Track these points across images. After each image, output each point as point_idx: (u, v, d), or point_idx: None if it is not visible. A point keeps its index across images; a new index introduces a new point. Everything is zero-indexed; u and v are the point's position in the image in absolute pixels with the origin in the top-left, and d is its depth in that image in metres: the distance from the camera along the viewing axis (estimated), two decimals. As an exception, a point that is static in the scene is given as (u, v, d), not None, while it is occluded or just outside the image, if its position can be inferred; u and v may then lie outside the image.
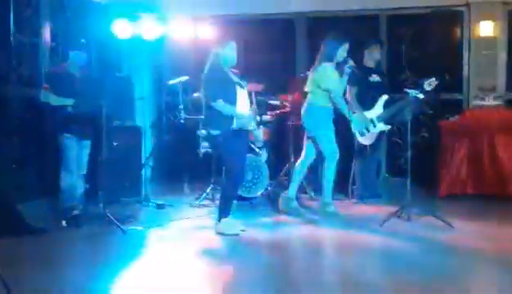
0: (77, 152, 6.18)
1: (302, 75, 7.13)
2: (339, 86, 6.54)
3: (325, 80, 6.45)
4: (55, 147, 6.23)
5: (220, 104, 5.66)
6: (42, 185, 7.03)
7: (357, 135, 7.11)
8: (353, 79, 7.07)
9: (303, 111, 6.65)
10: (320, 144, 6.53)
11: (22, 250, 5.20)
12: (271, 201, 7.26)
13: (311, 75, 6.62)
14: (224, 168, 6.05)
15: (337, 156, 6.49)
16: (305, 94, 6.79)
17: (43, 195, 6.88)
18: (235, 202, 6.19)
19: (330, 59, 6.51)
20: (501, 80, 8.48)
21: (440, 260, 4.93)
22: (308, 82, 6.64)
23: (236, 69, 6.02)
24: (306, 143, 6.72)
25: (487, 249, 5.27)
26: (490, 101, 8.09)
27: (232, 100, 5.71)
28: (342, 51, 6.52)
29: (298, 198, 6.92)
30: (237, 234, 5.72)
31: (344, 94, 6.88)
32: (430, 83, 6.35)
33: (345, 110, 6.56)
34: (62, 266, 4.84)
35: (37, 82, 7.07)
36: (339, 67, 6.57)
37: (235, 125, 5.69)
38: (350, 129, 7.07)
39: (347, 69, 6.57)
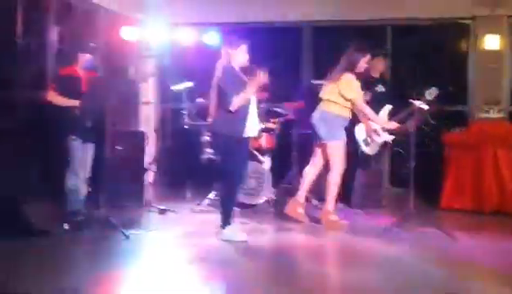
0: (81, 155, 6.18)
1: (312, 82, 7.14)
2: (361, 95, 6.57)
3: (350, 90, 6.44)
4: (60, 149, 6.22)
5: (236, 102, 5.66)
6: (47, 187, 7.04)
7: (361, 144, 7.11)
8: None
9: (317, 118, 6.57)
10: (330, 152, 6.52)
11: (23, 253, 5.18)
12: (274, 208, 7.26)
13: (331, 84, 6.54)
14: (222, 173, 6.04)
15: (343, 167, 6.49)
16: (314, 101, 6.76)
17: (47, 197, 6.88)
18: (238, 209, 6.19)
19: (351, 69, 6.50)
20: (506, 93, 8.49)
21: (440, 271, 4.91)
22: (327, 90, 6.57)
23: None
24: (316, 150, 6.71)
25: (488, 262, 5.26)
26: (494, 114, 8.09)
27: (246, 105, 5.75)
28: (363, 63, 6.54)
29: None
30: (244, 241, 5.71)
31: None
32: (431, 93, 6.35)
33: (373, 115, 6.67)
34: (64, 270, 4.83)
35: (43, 84, 7.10)
36: (359, 77, 6.57)
37: (245, 133, 5.73)
38: (354, 139, 7.10)
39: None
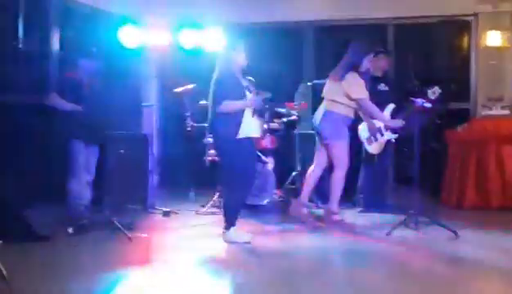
0: (85, 158, 6.18)
1: (309, 84, 7.12)
2: (366, 95, 6.49)
3: (356, 89, 6.39)
4: (63, 153, 6.23)
5: (225, 106, 5.63)
6: (50, 191, 7.04)
7: (365, 143, 7.10)
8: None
9: (319, 118, 6.54)
10: (334, 152, 6.49)
11: (28, 257, 5.19)
12: (278, 209, 7.25)
13: (334, 83, 6.51)
14: (224, 176, 6.03)
15: (346, 166, 6.46)
16: (317, 101, 6.74)
17: (50, 201, 6.89)
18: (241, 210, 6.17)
19: (355, 68, 6.46)
20: (509, 89, 8.47)
21: (446, 269, 4.91)
22: (331, 90, 6.52)
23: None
24: (318, 150, 6.69)
25: (494, 259, 5.24)
26: (497, 111, 8.07)
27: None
28: (366, 61, 6.50)
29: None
30: (248, 242, 5.70)
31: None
32: (434, 92, 6.32)
33: (378, 114, 6.64)
34: (67, 273, 4.82)
35: (45, 89, 7.11)
36: (362, 76, 6.51)
37: (240, 134, 5.67)
38: (358, 138, 7.09)
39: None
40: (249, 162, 5.85)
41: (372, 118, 6.78)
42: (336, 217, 6.51)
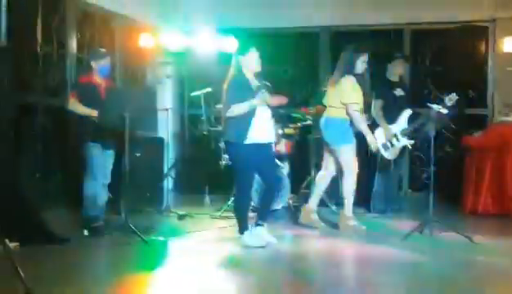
0: (101, 162, 6.22)
1: (325, 89, 7.11)
2: (356, 100, 6.35)
3: (344, 94, 6.34)
4: (79, 156, 6.27)
5: (233, 110, 5.63)
6: (66, 194, 7.09)
7: (381, 149, 7.07)
8: (378, 93, 7.08)
9: (322, 124, 6.56)
10: (339, 157, 6.47)
11: (45, 259, 5.22)
12: (293, 214, 7.25)
13: (332, 89, 6.49)
14: (235, 180, 6.03)
15: (356, 170, 6.43)
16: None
17: (66, 204, 6.93)
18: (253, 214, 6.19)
19: (348, 71, 6.40)
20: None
21: (461, 275, 4.87)
22: (329, 96, 6.53)
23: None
24: (326, 156, 6.68)
25: (509, 266, 5.20)
26: (515, 117, 8.02)
27: (250, 110, 5.68)
28: (360, 63, 6.41)
29: (318, 212, 6.88)
30: (262, 246, 5.69)
31: (369, 107, 6.87)
32: (451, 98, 6.28)
33: (359, 125, 6.39)
34: (84, 276, 4.85)
35: (63, 92, 7.17)
36: (359, 79, 6.44)
37: (248, 139, 5.64)
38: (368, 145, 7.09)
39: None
40: (260, 167, 5.81)
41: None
42: (350, 222, 6.49)
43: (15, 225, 5.30)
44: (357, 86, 6.38)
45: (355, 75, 6.39)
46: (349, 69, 6.39)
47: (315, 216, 6.70)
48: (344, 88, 6.35)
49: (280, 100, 5.92)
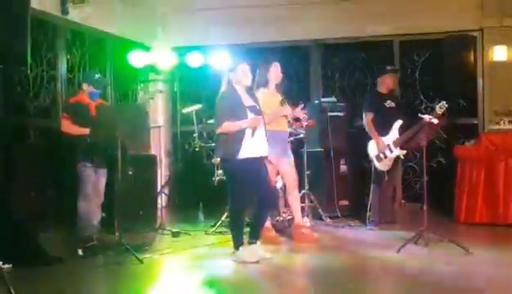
0: (94, 181, 6.21)
1: (316, 102, 7.15)
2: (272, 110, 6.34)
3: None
4: (72, 176, 6.26)
5: (225, 127, 5.64)
6: (59, 214, 7.06)
7: (374, 160, 7.10)
8: (369, 105, 7.12)
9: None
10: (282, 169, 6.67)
11: (38, 280, 5.19)
12: (287, 227, 7.23)
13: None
14: (229, 195, 6.03)
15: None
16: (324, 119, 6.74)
17: (60, 224, 6.90)
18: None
19: (263, 84, 6.49)
20: (516, 103, 8.46)
21: (457, 285, 4.87)
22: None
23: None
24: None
25: (505, 276, 5.20)
26: (505, 125, 8.06)
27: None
28: (273, 74, 6.52)
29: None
30: (257, 262, 5.66)
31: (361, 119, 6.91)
32: (441, 107, 6.31)
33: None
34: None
35: (54, 113, 7.17)
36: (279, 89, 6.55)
37: (240, 155, 5.64)
38: (367, 155, 7.12)
39: None
40: (254, 182, 5.76)
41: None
42: (304, 230, 6.65)
43: (9, 247, 5.28)
44: (270, 97, 6.45)
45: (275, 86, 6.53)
46: (263, 83, 6.50)
47: (306, 231, 6.73)
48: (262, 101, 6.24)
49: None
